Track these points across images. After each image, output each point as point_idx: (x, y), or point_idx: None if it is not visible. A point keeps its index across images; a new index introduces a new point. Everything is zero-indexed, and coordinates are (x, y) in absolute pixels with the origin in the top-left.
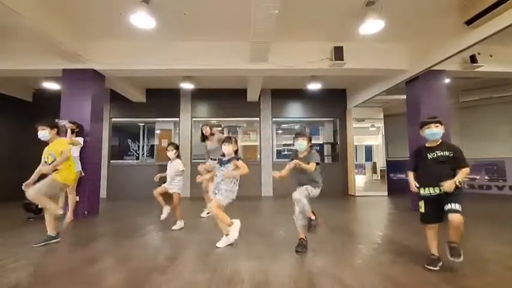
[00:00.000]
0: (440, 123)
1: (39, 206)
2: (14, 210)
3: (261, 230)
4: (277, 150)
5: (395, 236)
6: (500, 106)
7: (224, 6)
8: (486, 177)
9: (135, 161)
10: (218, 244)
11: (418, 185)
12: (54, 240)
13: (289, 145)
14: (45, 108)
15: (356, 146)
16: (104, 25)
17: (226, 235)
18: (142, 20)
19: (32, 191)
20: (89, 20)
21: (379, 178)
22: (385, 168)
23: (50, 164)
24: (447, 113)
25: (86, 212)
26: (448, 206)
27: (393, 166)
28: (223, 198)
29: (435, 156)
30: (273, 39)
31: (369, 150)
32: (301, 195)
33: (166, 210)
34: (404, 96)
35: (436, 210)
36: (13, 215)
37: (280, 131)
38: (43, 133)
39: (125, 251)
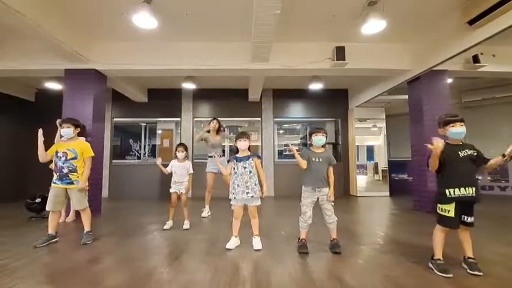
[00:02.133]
0: (464, 121)
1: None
2: (16, 209)
3: (263, 230)
4: (278, 150)
5: (397, 236)
6: (503, 106)
7: (226, 6)
8: (489, 178)
9: (136, 160)
10: (228, 246)
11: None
12: (54, 240)
13: (291, 145)
14: (48, 108)
15: (358, 146)
16: (106, 25)
17: (236, 236)
18: (144, 20)
19: (82, 205)
20: (92, 20)
21: (380, 178)
22: (387, 168)
23: (68, 160)
24: (451, 112)
25: None
26: (471, 219)
27: (395, 166)
28: (258, 201)
29: (466, 154)
30: (275, 39)
31: (370, 151)
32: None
33: (170, 223)
34: (406, 96)
35: (459, 214)
36: (15, 214)
37: (281, 131)
38: (68, 131)
39: (127, 250)
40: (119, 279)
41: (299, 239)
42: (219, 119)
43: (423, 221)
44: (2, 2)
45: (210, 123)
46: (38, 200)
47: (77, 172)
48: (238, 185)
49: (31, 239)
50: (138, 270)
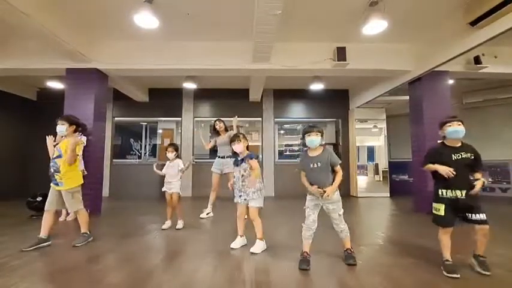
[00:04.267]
0: (462, 122)
1: (72, 211)
2: (17, 208)
3: (263, 231)
4: (279, 150)
5: (397, 237)
6: (504, 107)
7: (227, 6)
8: (490, 180)
9: (137, 160)
10: (232, 245)
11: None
12: (46, 244)
13: (291, 145)
14: (49, 107)
15: (358, 146)
16: (107, 25)
17: (241, 236)
18: (145, 19)
19: (73, 208)
20: (93, 20)
21: (381, 179)
22: (387, 169)
23: (54, 159)
24: (450, 114)
25: (88, 211)
26: (476, 217)
27: (396, 167)
28: (258, 202)
29: (461, 157)
30: (276, 39)
31: (371, 151)
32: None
33: (168, 223)
34: (407, 97)
35: (454, 214)
36: (16, 212)
37: (282, 131)
38: (60, 128)
39: (127, 249)
40: (119, 278)
41: (302, 251)
42: (221, 119)
43: (423, 222)
44: (9, 3)
45: (215, 125)
46: (39, 198)
47: (59, 172)
48: (238, 189)
49: (32, 237)
50: (138, 269)
